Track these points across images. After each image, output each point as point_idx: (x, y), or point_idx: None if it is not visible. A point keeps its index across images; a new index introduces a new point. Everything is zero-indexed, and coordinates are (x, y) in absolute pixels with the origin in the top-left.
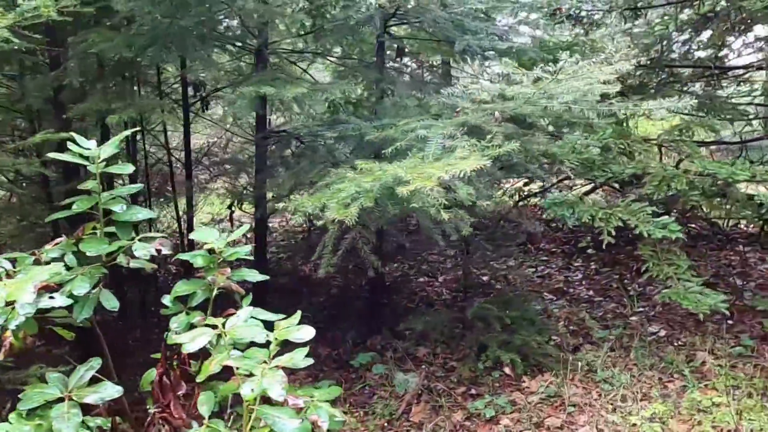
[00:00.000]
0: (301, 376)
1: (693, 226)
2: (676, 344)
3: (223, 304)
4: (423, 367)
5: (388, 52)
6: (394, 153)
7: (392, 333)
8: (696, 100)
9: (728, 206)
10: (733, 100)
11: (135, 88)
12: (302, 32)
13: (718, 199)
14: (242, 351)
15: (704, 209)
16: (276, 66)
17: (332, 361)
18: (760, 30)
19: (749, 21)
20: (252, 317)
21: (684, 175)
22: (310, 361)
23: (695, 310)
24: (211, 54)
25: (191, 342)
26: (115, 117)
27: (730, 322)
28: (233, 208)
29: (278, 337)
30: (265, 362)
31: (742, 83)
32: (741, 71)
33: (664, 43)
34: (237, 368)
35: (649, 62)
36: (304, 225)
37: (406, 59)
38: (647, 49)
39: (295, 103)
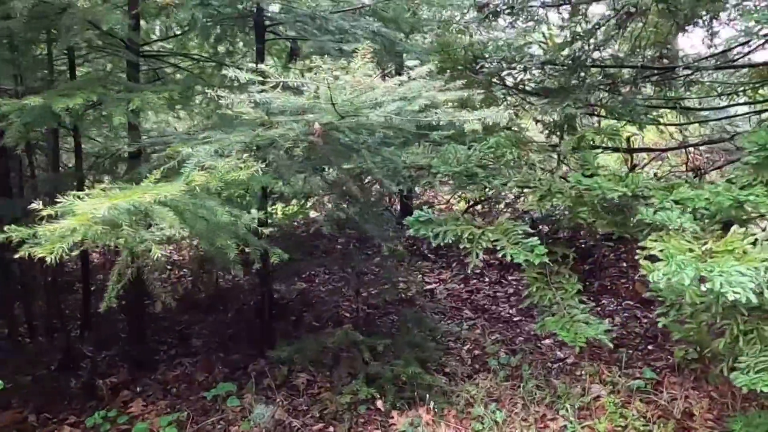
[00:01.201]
0: (160, 406)
1: None
2: (579, 373)
3: None
4: (279, 400)
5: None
6: (165, 173)
7: (290, 354)
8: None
9: (620, 224)
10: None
11: None
12: (170, 34)
13: (613, 215)
14: None
15: (596, 227)
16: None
17: (204, 389)
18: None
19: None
20: None
21: (570, 190)
22: None
23: (571, 343)
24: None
25: None
26: None
27: (650, 347)
28: None
29: None
30: None
31: (692, 84)
32: (688, 71)
33: (578, 42)
34: None
35: (571, 62)
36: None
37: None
38: (562, 49)
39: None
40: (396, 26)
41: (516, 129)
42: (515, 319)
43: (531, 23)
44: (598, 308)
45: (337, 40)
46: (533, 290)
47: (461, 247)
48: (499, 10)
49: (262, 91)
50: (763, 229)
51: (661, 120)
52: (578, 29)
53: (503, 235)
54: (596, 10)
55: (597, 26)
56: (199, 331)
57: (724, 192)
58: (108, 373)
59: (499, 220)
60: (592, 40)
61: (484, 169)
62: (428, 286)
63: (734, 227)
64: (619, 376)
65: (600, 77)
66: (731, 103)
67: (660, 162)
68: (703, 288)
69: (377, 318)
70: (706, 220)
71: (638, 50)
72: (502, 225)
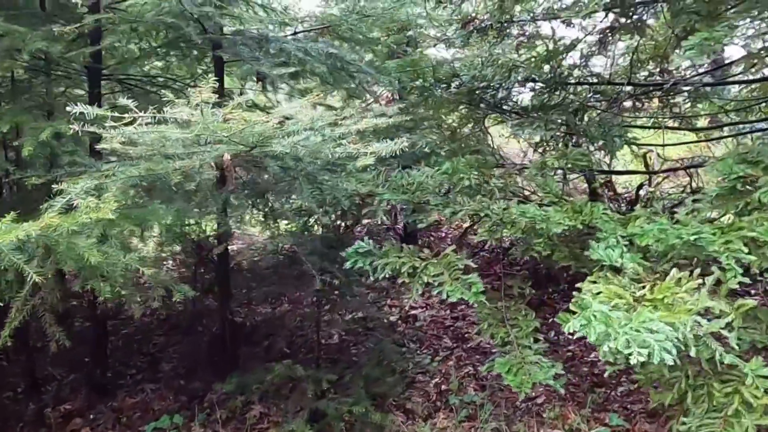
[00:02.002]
0: None
1: None
2: (545, 416)
3: None
4: None
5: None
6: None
7: (237, 386)
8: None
9: (579, 257)
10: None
11: None
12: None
13: (571, 248)
14: None
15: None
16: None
17: (158, 418)
18: None
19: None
20: None
21: (522, 218)
22: None
23: (516, 389)
24: None
25: None
26: None
27: (632, 387)
28: None
29: None
30: None
31: (698, 100)
32: (688, 88)
33: (557, 59)
34: None
35: (549, 79)
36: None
37: None
38: (540, 66)
39: None
40: (355, 46)
41: (483, 151)
42: (494, 351)
43: (523, 38)
44: (586, 339)
45: (277, 64)
46: (484, 327)
47: (399, 281)
48: (485, 26)
49: (118, 126)
50: (701, 275)
51: (638, 141)
52: (554, 45)
53: (445, 269)
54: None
55: (576, 41)
56: (171, 354)
57: (671, 228)
58: (66, 399)
59: (445, 252)
60: (576, 55)
61: (436, 196)
62: (413, 311)
63: (673, 270)
64: (586, 421)
65: (590, 95)
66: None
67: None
68: (605, 348)
69: (351, 345)
70: (661, 260)
71: (639, 65)
72: (447, 258)
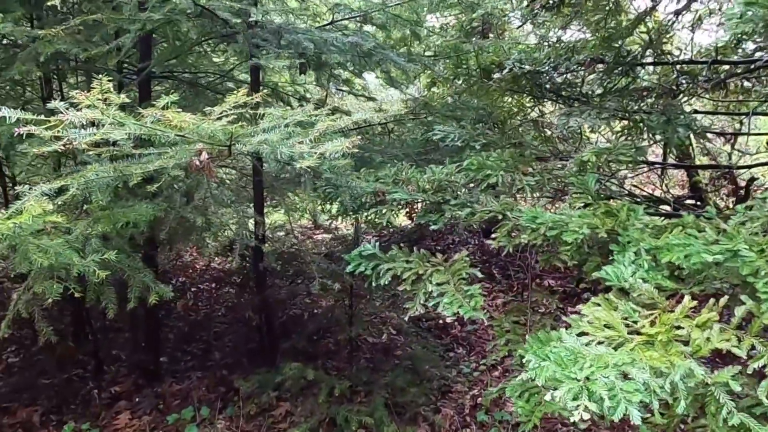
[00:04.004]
0: (144, 421)
1: None
2: None
3: None
4: None
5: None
6: None
7: (256, 384)
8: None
9: None
10: None
11: None
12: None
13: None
14: None
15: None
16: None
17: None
18: None
19: None
20: None
21: (531, 224)
22: None
23: (523, 418)
24: None
25: None
26: None
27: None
28: None
29: None
30: None
31: None
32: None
33: (619, 36)
34: None
35: (612, 61)
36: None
37: None
38: (601, 45)
39: None
40: (387, 33)
41: (526, 143)
42: None
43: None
44: None
45: (286, 56)
46: (501, 343)
47: (400, 289)
48: (553, 2)
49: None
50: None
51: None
52: (613, 21)
53: (452, 278)
54: None
55: (644, 13)
56: (226, 343)
57: (696, 243)
58: (119, 381)
59: (455, 257)
60: (642, 30)
61: (459, 195)
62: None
63: (686, 298)
64: None
65: (674, 76)
66: None
67: None
68: (548, 397)
69: (399, 346)
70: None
71: (745, 37)
72: (455, 264)
